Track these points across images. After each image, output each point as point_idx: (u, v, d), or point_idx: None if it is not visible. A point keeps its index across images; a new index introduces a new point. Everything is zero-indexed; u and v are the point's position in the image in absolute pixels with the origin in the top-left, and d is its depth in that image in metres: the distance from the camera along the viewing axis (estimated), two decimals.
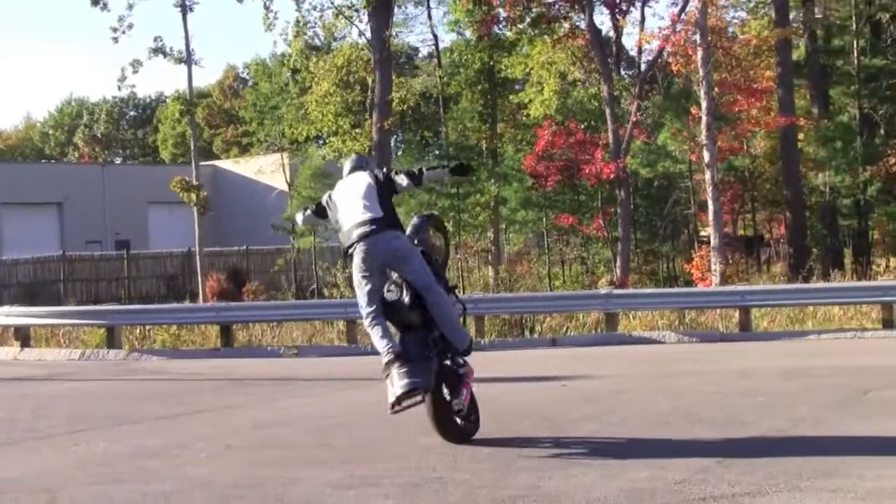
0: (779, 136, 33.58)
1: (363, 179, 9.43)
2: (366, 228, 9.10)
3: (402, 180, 9.43)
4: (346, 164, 9.91)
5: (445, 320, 9.16)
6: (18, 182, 55.70)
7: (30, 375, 17.58)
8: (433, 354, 9.09)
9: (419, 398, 8.93)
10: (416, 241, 9.46)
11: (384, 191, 9.34)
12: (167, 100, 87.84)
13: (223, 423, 11.02)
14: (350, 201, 9.34)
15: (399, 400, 8.80)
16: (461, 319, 9.63)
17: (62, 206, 56.92)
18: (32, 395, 14.68)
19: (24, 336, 22.24)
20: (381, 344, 9.02)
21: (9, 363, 20.39)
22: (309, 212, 10.09)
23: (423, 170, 9.59)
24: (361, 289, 9.10)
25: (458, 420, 9.24)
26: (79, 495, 7.65)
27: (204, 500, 7.40)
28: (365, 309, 9.14)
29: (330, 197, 9.62)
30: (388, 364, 8.91)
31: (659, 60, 34.03)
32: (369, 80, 34.39)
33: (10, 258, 42.96)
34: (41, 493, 7.77)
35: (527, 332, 23.03)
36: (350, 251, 9.19)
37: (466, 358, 9.44)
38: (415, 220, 9.87)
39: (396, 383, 8.81)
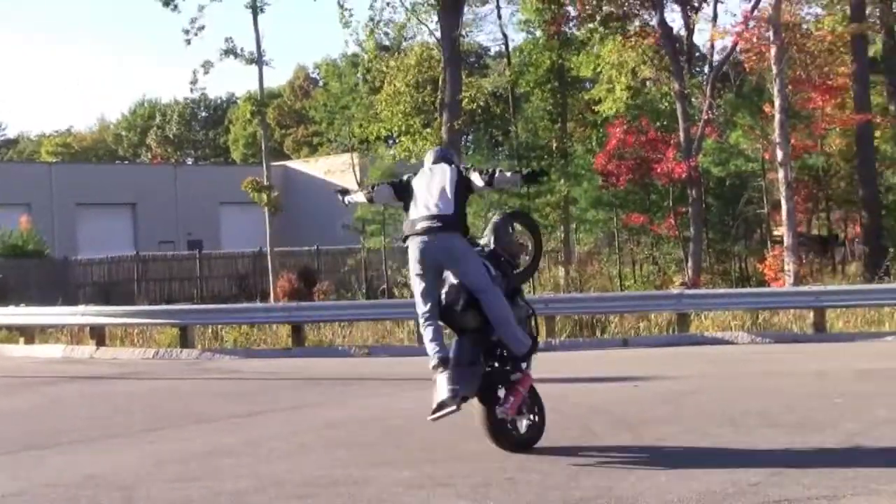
0: (855, 134, 33.05)
1: (449, 172, 9.10)
2: (431, 224, 8.83)
3: (477, 180, 9.01)
4: (430, 155, 9.57)
5: (501, 324, 8.85)
6: (93, 183, 56.61)
7: (106, 374, 17.81)
8: (481, 360, 8.92)
9: (454, 406, 8.65)
10: (495, 241, 9.24)
11: (461, 188, 9.02)
12: (238, 100, 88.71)
13: (296, 422, 11.09)
14: (428, 191, 9.03)
15: (440, 406, 8.66)
16: (530, 323, 9.35)
17: (136, 206, 57.69)
18: (109, 393, 14.88)
19: (99, 335, 22.55)
20: (429, 347, 8.89)
21: (85, 361, 20.68)
22: (385, 187, 9.58)
23: (496, 172, 9.13)
24: (416, 287, 8.95)
25: (511, 427, 9.03)
26: (155, 492, 7.74)
27: (278, 499, 7.45)
28: (420, 307, 8.99)
29: (410, 180, 9.28)
30: (434, 368, 8.79)
31: (731, 58, 33.67)
32: (438, 79, 34.40)
33: (85, 258, 43.47)
34: (118, 490, 7.87)
35: (598, 333, 22.90)
36: (407, 241, 9.02)
37: (525, 364, 9.13)
38: (495, 218, 9.61)
39: (439, 389, 8.69)
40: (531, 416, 9.18)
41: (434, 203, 8.91)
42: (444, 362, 8.76)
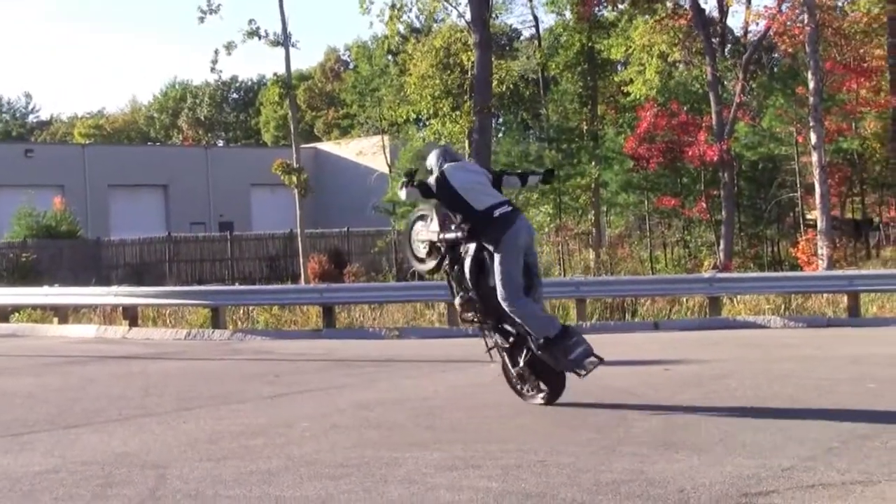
0: (890, 117, 32.80)
1: (483, 170, 10.07)
2: (512, 207, 9.48)
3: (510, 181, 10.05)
4: (439, 153, 10.14)
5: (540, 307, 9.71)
6: (125, 164, 56.86)
7: (138, 354, 17.90)
8: None
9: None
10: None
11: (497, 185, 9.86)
12: (268, 82, 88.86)
13: (327, 403, 11.10)
14: (484, 181, 9.72)
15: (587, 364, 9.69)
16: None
17: (167, 187, 57.95)
18: (141, 373, 14.93)
19: (131, 315, 22.67)
20: (546, 319, 9.57)
21: (118, 342, 20.80)
22: (413, 189, 9.89)
23: (504, 174, 10.16)
24: (517, 265, 9.28)
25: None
26: (187, 472, 7.77)
27: (309, 479, 7.46)
28: (516, 283, 9.35)
29: (446, 176, 9.70)
30: (562, 336, 9.52)
31: (764, 41, 33.47)
32: (466, 62, 34.28)
33: (118, 239, 43.73)
34: (151, 468, 7.91)
35: (628, 316, 22.87)
36: (500, 223, 9.32)
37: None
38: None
39: (578, 352, 9.55)
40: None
41: (497, 192, 9.68)
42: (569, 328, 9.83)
